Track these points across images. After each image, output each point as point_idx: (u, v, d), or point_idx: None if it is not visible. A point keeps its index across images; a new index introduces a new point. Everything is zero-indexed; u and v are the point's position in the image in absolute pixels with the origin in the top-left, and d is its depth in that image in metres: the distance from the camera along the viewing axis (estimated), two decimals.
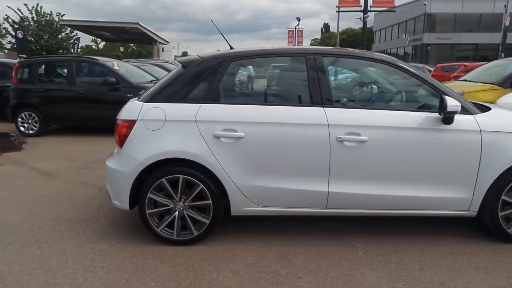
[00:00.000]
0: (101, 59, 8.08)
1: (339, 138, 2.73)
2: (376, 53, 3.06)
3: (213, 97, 2.87)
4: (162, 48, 25.44)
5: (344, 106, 2.87)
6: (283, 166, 2.80)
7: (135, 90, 7.43)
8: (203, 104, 2.84)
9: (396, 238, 3.04)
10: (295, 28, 50.60)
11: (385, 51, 51.47)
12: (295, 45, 53.29)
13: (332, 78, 2.86)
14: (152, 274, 2.54)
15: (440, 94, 2.79)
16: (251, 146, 2.77)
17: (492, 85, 6.65)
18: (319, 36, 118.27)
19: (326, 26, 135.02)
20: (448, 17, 36.15)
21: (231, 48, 3.40)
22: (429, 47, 35.56)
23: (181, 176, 2.81)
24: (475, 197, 2.84)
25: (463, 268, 2.62)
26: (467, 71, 10.80)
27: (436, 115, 2.77)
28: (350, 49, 3.05)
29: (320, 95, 2.81)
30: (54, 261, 2.71)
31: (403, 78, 2.95)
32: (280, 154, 2.78)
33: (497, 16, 35.71)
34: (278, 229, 3.18)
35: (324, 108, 2.79)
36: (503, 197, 2.83)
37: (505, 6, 21.04)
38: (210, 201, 2.84)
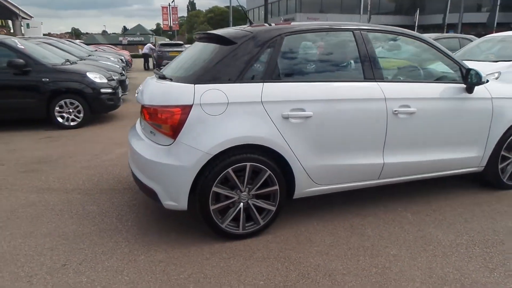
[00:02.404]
0: None
1: (395, 111, 2.86)
2: (410, 30, 3.25)
3: (272, 75, 2.65)
4: (27, 24, 21.28)
5: (392, 80, 2.99)
6: (347, 142, 2.81)
7: (51, 73, 6.25)
8: (265, 83, 2.61)
9: (423, 198, 3.38)
10: (169, 5, 48.57)
11: None
12: (170, 22, 51.14)
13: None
14: (249, 273, 2.31)
15: (461, 67, 3.16)
16: (319, 124, 2.69)
17: None
18: (185, 14, 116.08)
19: (192, 4, 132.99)
20: None
21: (251, 23, 3.17)
22: None
23: (248, 164, 2.56)
24: (485, 154, 3.34)
25: (493, 214, 3.09)
26: None
27: (462, 85, 3.13)
28: (389, 26, 3.17)
29: (371, 70, 2.87)
30: (117, 285, 2.21)
31: (431, 53, 3.21)
32: (345, 131, 2.78)
33: None
34: (315, 207, 3.19)
35: (378, 83, 2.87)
36: (502, 152, 3.41)
37: None
38: (277, 187, 2.67)
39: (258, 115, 2.56)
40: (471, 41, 9.21)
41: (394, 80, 3.00)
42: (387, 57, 3.06)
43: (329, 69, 2.92)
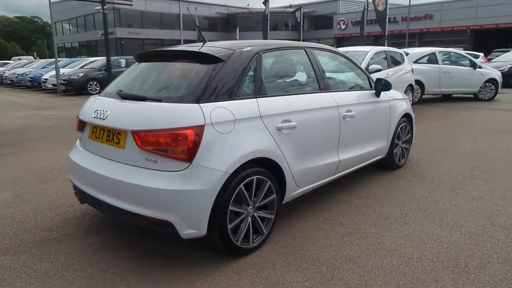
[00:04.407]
0: None
1: (344, 115, 3.42)
2: (338, 49, 3.85)
3: (260, 91, 2.79)
4: None
5: (336, 90, 3.52)
6: (318, 146, 3.19)
7: None
8: (257, 99, 2.73)
9: (354, 186, 4.07)
10: None
11: (71, 44, 48.61)
12: None
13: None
14: (289, 280, 2.39)
15: (369, 77, 4.00)
16: (301, 132, 2.97)
17: None
18: None
19: None
20: (135, 13, 38.62)
21: (205, 41, 3.22)
22: (123, 41, 36.88)
23: (255, 177, 2.63)
24: (388, 143, 4.30)
25: (405, 187, 4.01)
26: None
27: (373, 91, 3.96)
28: (321, 45, 3.68)
29: (323, 82, 3.35)
30: None
31: (350, 67, 3.93)
32: (317, 136, 3.15)
33: (173, 15, 41.59)
34: (282, 212, 3.47)
35: (330, 93, 3.36)
36: (395, 141, 4.45)
37: (187, 8, 25.32)
38: (275, 195, 2.83)
39: (260, 129, 2.66)
40: None
41: (337, 89, 3.55)
42: (327, 70, 3.58)
43: (298, 82, 3.25)
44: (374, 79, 4.04)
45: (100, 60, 17.37)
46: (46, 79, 17.39)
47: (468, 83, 11.07)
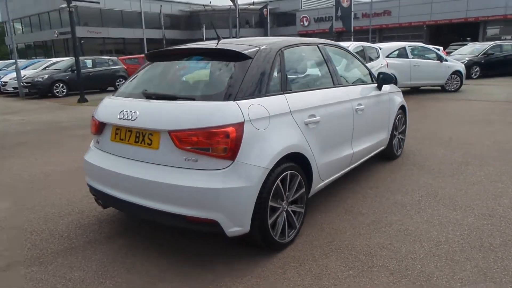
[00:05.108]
0: None
1: (356, 109, 3.52)
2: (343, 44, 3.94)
3: (286, 87, 2.82)
4: None
5: (346, 85, 3.61)
6: (337, 139, 3.27)
7: None
8: (285, 95, 2.76)
9: (362, 177, 4.20)
10: None
11: (25, 45, 46.02)
12: None
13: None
14: (333, 270, 2.45)
15: (370, 71, 4.14)
16: (324, 127, 3.04)
17: None
18: None
19: None
20: (94, 12, 37.06)
21: (219, 39, 3.20)
22: (82, 41, 35.34)
23: (288, 172, 2.67)
24: (388, 135, 4.47)
25: (408, 176, 4.19)
26: None
27: (375, 85, 4.10)
28: (331, 41, 3.76)
29: (336, 77, 3.43)
30: None
31: (355, 62, 4.04)
32: (336, 130, 3.24)
33: (134, 14, 40.40)
34: None
35: (343, 87, 3.45)
36: (394, 132, 4.63)
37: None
38: (304, 189, 2.88)
39: (291, 125, 2.70)
40: None
41: (347, 84, 3.65)
42: (336, 65, 3.67)
43: (315, 77, 3.31)
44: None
45: (65, 61, 16.59)
46: (6, 82, 16.39)
47: (436, 75, 11.66)
